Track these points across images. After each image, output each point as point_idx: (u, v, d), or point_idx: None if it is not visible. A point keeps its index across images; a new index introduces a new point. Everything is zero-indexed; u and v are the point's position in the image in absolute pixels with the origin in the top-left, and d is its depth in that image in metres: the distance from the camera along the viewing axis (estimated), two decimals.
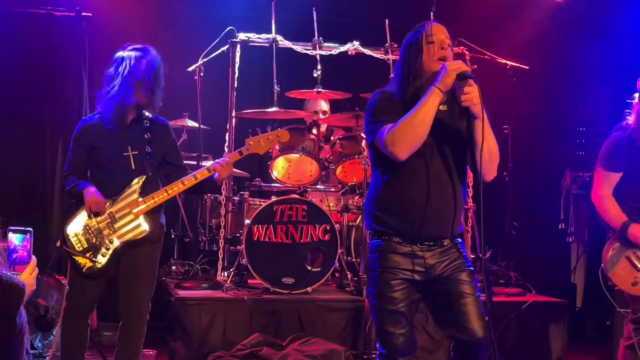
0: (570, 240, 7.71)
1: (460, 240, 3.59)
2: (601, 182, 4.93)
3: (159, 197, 4.45)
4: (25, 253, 2.83)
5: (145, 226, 4.42)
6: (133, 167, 4.45)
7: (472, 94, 3.26)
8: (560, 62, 7.81)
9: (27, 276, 2.82)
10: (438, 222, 3.45)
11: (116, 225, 4.40)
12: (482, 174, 3.36)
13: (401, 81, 3.42)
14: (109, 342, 5.63)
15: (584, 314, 7.42)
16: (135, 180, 4.43)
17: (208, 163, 6.77)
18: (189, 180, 4.48)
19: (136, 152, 4.47)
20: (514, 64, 6.54)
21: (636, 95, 4.83)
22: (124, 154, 4.46)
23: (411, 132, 3.26)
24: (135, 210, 4.40)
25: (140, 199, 4.41)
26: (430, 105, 3.25)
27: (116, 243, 4.39)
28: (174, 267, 6.84)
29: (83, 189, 4.39)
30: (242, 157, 4.66)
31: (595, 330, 7.28)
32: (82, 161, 4.53)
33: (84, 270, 4.37)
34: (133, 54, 4.42)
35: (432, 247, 3.46)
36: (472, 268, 3.56)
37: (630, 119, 4.87)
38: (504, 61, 6.86)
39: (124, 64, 4.40)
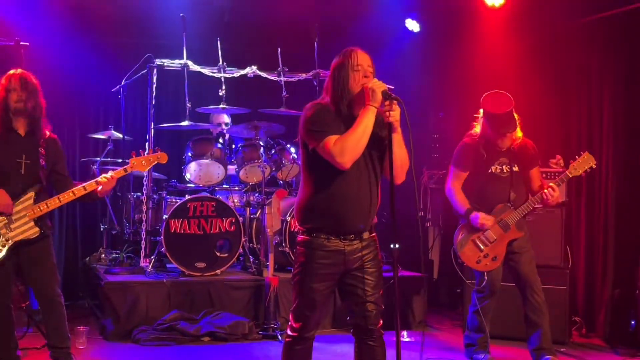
0: (428, 225, 8.07)
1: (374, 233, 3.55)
2: (452, 178, 5.10)
3: (52, 203, 4.32)
4: None
5: (37, 227, 4.30)
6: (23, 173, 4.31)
7: (396, 112, 3.31)
8: (417, 84, 8.09)
9: None
10: (361, 217, 3.42)
11: (12, 226, 4.25)
12: (394, 177, 3.36)
13: (334, 97, 3.42)
14: None
15: (439, 283, 7.72)
16: (31, 188, 4.30)
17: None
18: (78, 191, 4.36)
19: (29, 161, 4.32)
20: None
21: (481, 110, 5.01)
22: (18, 160, 4.31)
23: (354, 146, 3.29)
24: (30, 214, 4.28)
25: (35, 205, 4.29)
26: (368, 122, 3.32)
27: (12, 241, 4.25)
28: (103, 256, 6.94)
29: None
30: (126, 174, 4.61)
31: (448, 296, 7.59)
32: None
33: None
34: None
35: (353, 240, 3.42)
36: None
37: (477, 129, 5.07)
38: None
39: None
